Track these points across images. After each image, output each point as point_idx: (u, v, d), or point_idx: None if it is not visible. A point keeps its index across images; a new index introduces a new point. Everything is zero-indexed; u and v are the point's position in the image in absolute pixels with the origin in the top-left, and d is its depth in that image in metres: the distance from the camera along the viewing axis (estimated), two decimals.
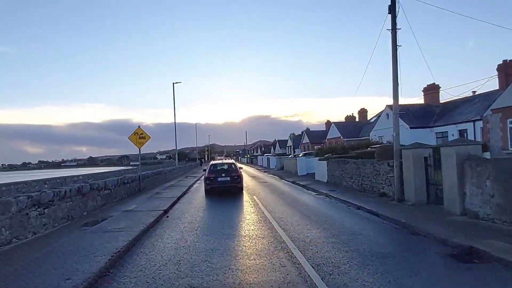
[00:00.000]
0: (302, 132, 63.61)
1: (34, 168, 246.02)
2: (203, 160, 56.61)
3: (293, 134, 29.55)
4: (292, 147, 68.90)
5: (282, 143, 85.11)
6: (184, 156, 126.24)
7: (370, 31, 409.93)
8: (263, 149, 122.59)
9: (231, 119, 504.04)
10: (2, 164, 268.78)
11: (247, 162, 75.97)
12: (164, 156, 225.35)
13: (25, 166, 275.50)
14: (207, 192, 16.38)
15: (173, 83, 37.83)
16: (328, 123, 60.05)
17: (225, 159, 39.79)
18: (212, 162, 21.03)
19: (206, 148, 54.92)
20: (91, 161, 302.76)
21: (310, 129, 65.94)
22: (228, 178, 16.46)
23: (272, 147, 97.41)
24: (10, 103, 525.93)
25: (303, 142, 59.92)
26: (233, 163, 18.57)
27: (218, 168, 17.66)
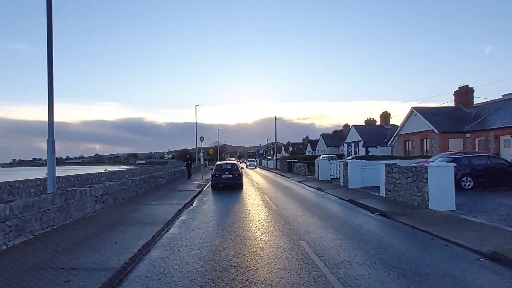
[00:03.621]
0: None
1: (40, 164, 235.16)
2: (191, 161, 25.12)
3: None
4: (362, 143, 38.45)
5: (329, 140, 54.84)
6: (186, 155, 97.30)
7: (377, 36, 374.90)
8: (290, 148, 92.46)
9: (244, 121, 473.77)
10: (13, 159, 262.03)
11: (276, 168, 45.70)
12: (170, 156, 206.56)
13: (33, 162, 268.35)
14: (213, 187, 18.84)
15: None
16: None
17: (229, 160, 38.84)
18: (218, 162, 22.22)
19: (200, 140, 26.15)
20: (97, 159, 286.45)
21: (324, 132, 35.54)
22: (231, 176, 18.68)
23: (308, 145, 67.36)
24: (26, 100, 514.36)
25: (399, 133, 29.54)
26: (235, 164, 20.56)
27: (223, 167, 19.58)
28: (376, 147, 35.67)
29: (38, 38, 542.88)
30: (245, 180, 24.92)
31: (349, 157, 34.30)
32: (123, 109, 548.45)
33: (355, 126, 41.64)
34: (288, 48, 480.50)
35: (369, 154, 36.45)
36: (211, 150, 52.20)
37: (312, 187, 18.95)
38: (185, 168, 25.10)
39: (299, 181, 23.38)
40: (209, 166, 65.46)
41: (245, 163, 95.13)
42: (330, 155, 32.64)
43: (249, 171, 41.36)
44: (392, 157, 23.57)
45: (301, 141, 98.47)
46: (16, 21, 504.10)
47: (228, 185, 18.63)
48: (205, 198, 14.75)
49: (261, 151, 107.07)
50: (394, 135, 30.25)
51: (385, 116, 41.18)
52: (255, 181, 24.88)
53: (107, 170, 29.97)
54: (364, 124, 46.60)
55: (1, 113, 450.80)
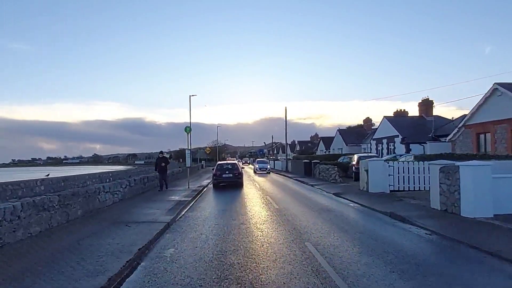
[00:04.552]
0: None
1: (38, 165, 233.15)
2: (166, 164, 15.95)
3: None
4: (400, 139, 29.87)
5: (347, 137, 46.35)
6: (159, 155, 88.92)
7: (377, 36, 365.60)
8: (298, 147, 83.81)
9: (244, 120, 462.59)
10: (12, 160, 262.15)
11: (286, 171, 37.21)
12: (168, 156, 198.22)
13: (32, 162, 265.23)
14: (215, 185, 19.31)
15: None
16: None
17: (229, 160, 41.36)
18: (219, 162, 23.53)
19: (185, 132, 17.84)
20: (96, 159, 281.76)
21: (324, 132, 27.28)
22: (231, 175, 19.14)
23: (320, 143, 58.79)
24: (26, 100, 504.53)
25: (467, 123, 20.97)
26: (235, 163, 21.29)
27: (224, 167, 20.09)
28: (422, 144, 27.20)
29: (38, 38, 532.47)
30: (255, 193, 16.50)
31: (387, 156, 25.78)
32: (123, 109, 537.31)
33: (389, 118, 33.15)
34: (288, 48, 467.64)
35: (411, 152, 28.05)
36: (208, 148, 43.80)
37: (380, 212, 10.45)
38: (164, 173, 16.05)
39: (336, 194, 14.93)
40: (206, 167, 57.03)
41: (248, 164, 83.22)
42: (371, 154, 24.18)
43: (258, 178, 28.01)
44: (482, 157, 15.17)
45: (309, 139, 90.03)
46: (16, 21, 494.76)
47: (229, 184, 19.15)
48: (169, 252, 6.32)
49: (265, 150, 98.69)
50: (459, 125, 21.71)
51: (426, 104, 32.62)
52: (269, 193, 16.46)
53: (49, 176, 21.52)
54: (393, 115, 38.03)
55: (1, 113, 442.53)
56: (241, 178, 19.88)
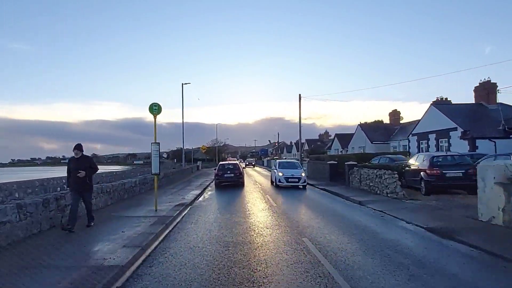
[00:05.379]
0: None
1: (36, 165, 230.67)
2: (93, 168, 8.04)
3: None
4: (460, 133, 22.24)
5: (371, 133, 38.65)
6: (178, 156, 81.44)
7: (377, 36, 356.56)
8: (306, 147, 75.99)
9: (245, 120, 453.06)
10: (11, 159, 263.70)
11: None
12: (165, 156, 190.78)
13: (31, 162, 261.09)
14: (217, 185, 19.99)
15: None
16: None
17: (230, 160, 42.41)
18: (220, 162, 25.55)
19: (151, 112, 12.26)
20: (95, 159, 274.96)
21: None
22: (232, 175, 19.96)
23: (334, 141, 51.00)
24: (26, 100, 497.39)
25: None
26: (236, 163, 22.38)
27: (225, 167, 20.99)
28: (493, 139, 19.56)
29: (38, 38, 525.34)
30: (275, 226, 8.08)
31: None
32: (123, 109, 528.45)
33: (438, 106, 25.43)
34: (288, 48, 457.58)
35: (477, 150, 20.45)
36: (203, 146, 36.25)
37: None
38: (86, 189, 7.53)
39: (442, 234, 7.29)
40: (203, 169, 49.40)
41: (252, 165, 64.20)
42: (452, 153, 16.33)
43: (272, 190, 18.04)
44: None
45: (318, 138, 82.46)
46: (16, 21, 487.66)
47: (231, 183, 19.63)
48: None
49: (269, 150, 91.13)
50: None
51: (488, 89, 24.81)
52: (302, 227, 8.71)
53: None
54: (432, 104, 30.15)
55: (1, 113, 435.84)
56: (242, 177, 20.69)
